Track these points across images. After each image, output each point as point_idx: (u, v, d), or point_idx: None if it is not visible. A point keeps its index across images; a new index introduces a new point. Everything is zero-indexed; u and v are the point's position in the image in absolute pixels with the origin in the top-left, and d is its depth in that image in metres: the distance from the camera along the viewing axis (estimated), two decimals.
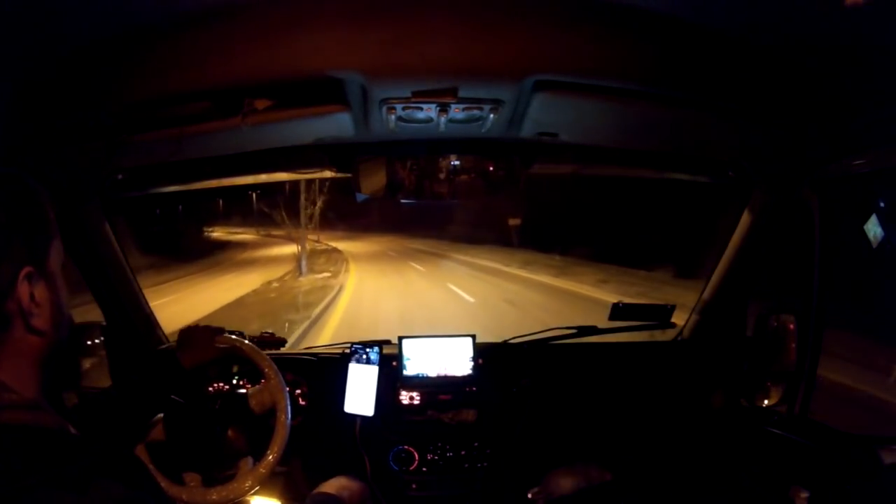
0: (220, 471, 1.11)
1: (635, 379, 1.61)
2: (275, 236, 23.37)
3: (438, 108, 1.00)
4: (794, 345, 1.28)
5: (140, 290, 1.54)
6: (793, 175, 1.22)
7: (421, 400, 1.51)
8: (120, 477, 0.47)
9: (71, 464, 0.46)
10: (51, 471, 0.44)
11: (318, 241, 19.63)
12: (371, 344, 1.52)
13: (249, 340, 1.22)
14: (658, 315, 1.64)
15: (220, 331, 1.18)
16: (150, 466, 1.08)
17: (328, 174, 1.40)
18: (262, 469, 1.07)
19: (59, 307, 0.58)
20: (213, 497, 1.05)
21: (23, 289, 0.52)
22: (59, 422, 0.51)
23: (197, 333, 1.15)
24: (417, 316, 7.48)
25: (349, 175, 1.33)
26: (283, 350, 1.63)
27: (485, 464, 1.50)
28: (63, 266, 0.60)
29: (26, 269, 0.52)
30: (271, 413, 1.13)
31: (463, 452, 1.50)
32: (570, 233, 14.43)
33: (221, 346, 1.15)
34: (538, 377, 1.57)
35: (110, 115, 0.97)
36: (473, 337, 1.53)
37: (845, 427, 1.15)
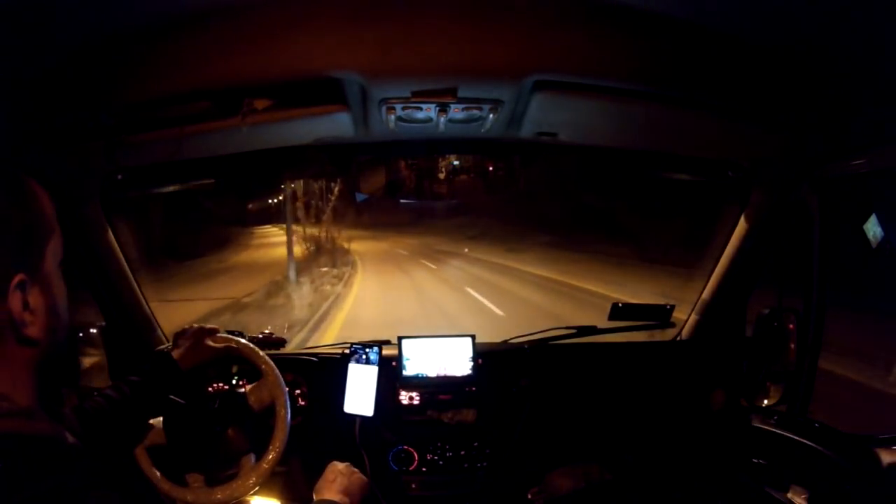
0: (222, 470, 1.10)
1: (635, 379, 1.61)
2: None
3: (438, 108, 1.00)
4: (793, 345, 1.28)
5: (140, 290, 1.53)
6: (793, 175, 1.22)
7: (420, 400, 1.51)
8: (117, 486, 0.46)
9: (68, 474, 0.45)
10: (48, 482, 0.43)
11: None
12: (371, 344, 1.52)
13: (249, 340, 1.21)
14: (657, 315, 1.64)
15: (214, 331, 1.18)
16: (152, 469, 1.07)
17: (328, 174, 1.40)
18: (265, 465, 1.07)
19: (55, 311, 0.55)
20: (218, 496, 1.05)
21: (14, 299, 0.50)
22: (55, 430, 0.50)
23: (190, 334, 1.14)
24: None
25: (349, 175, 1.33)
26: (282, 350, 1.63)
27: (485, 464, 1.50)
28: (63, 263, 0.58)
29: (17, 278, 0.50)
30: (271, 410, 1.13)
31: (463, 452, 1.50)
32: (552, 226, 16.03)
33: (216, 345, 1.15)
34: (538, 377, 1.57)
35: (110, 115, 0.97)
36: (473, 337, 1.53)
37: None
